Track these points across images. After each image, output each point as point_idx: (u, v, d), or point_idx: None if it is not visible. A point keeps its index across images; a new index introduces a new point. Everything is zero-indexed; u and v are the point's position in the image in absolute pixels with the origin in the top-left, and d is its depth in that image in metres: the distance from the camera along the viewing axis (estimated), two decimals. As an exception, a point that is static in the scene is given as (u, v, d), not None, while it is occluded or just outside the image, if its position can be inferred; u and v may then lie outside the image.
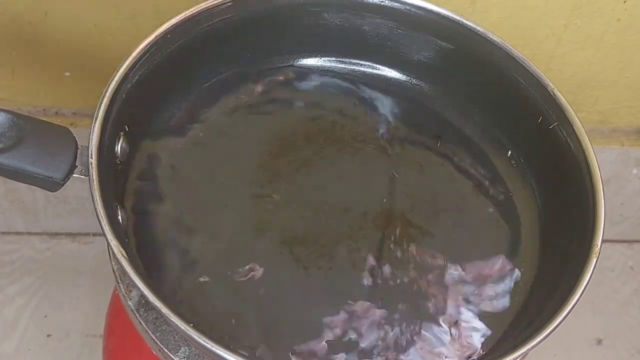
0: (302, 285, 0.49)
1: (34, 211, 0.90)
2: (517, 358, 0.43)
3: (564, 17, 0.75)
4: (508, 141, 0.59)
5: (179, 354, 0.48)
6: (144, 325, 0.49)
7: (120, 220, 0.48)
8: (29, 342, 0.86)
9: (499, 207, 0.55)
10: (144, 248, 0.49)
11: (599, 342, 0.95)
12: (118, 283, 0.51)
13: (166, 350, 0.48)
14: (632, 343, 0.95)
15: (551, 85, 0.55)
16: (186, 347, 0.48)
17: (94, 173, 0.45)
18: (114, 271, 0.51)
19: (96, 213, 0.43)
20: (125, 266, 0.42)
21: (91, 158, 0.45)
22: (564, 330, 0.91)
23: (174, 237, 0.50)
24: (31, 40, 0.72)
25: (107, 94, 0.48)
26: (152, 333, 0.49)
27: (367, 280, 0.50)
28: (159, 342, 0.49)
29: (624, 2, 0.74)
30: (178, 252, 0.49)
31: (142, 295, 0.43)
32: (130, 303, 0.50)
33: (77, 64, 0.75)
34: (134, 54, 0.51)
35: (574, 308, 0.45)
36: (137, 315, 0.49)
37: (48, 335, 0.87)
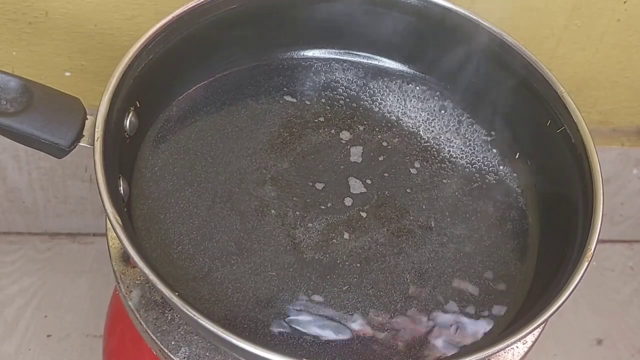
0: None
1: (34, 211, 0.90)
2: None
3: (564, 17, 0.75)
4: (516, 143, 0.59)
5: (179, 354, 0.48)
6: (144, 326, 0.49)
7: (122, 192, 0.49)
8: (29, 342, 0.86)
9: (505, 208, 0.56)
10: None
11: (599, 342, 0.95)
12: (118, 283, 0.51)
13: (166, 351, 0.48)
14: (632, 343, 0.95)
15: (561, 88, 0.55)
16: (186, 348, 0.48)
17: (98, 143, 0.46)
18: (114, 271, 0.51)
19: (97, 181, 0.44)
20: (119, 233, 0.43)
21: (97, 128, 0.46)
22: (564, 330, 0.91)
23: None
24: (31, 40, 0.72)
25: (120, 68, 0.49)
26: (153, 333, 0.49)
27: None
28: (159, 343, 0.49)
29: (624, 2, 0.74)
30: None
31: (130, 254, 0.43)
32: (130, 303, 0.50)
33: (77, 64, 0.75)
34: (150, 33, 0.52)
35: (556, 311, 0.45)
36: (137, 315, 0.49)
37: (48, 336, 0.87)
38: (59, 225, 0.93)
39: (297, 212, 0.52)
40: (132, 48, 0.51)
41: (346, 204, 0.54)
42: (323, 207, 0.53)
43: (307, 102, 0.59)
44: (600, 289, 0.98)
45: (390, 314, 0.49)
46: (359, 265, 0.51)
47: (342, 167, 0.56)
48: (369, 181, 0.55)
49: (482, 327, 0.50)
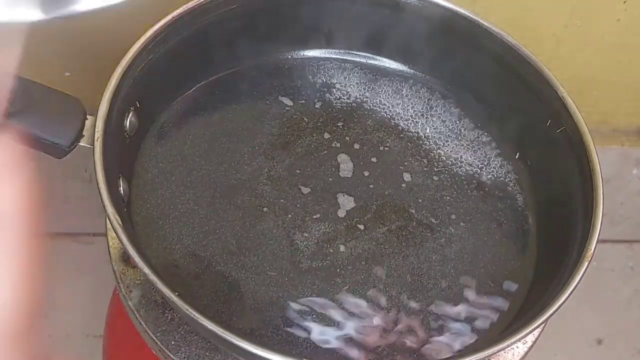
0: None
1: (34, 211, 0.90)
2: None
3: (564, 17, 0.75)
4: (516, 143, 0.59)
5: (179, 354, 0.48)
6: (144, 326, 0.49)
7: (122, 192, 0.49)
8: (29, 342, 0.86)
9: (505, 208, 0.56)
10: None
11: (599, 342, 0.95)
12: (118, 283, 0.51)
13: (166, 351, 0.48)
14: (632, 343, 0.95)
15: (561, 88, 0.55)
16: (186, 348, 0.48)
17: (98, 143, 0.46)
18: (114, 271, 0.51)
19: (97, 181, 0.44)
20: (120, 235, 0.43)
21: (97, 128, 0.46)
22: (564, 330, 0.91)
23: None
24: (31, 40, 0.72)
25: (120, 68, 0.50)
26: (153, 333, 0.49)
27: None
28: (159, 342, 0.49)
29: (624, 2, 0.74)
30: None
31: (130, 254, 0.43)
32: (130, 303, 0.50)
33: (77, 64, 0.75)
34: (150, 33, 0.52)
35: (556, 311, 0.45)
36: (138, 315, 0.49)
37: (48, 336, 0.87)
38: (59, 225, 0.93)
39: (291, 214, 0.52)
40: (132, 48, 0.51)
41: (346, 206, 0.54)
42: (316, 216, 0.53)
43: (306, 103, 0.59)
44: (600, 289, 0.98)
45: (391, 313, 0.49)
46: (363, 263, 0.51)
47: (329, 180, 0.55)
48: (366, 184, 0.55)
49: (482, 326, 0.50)
